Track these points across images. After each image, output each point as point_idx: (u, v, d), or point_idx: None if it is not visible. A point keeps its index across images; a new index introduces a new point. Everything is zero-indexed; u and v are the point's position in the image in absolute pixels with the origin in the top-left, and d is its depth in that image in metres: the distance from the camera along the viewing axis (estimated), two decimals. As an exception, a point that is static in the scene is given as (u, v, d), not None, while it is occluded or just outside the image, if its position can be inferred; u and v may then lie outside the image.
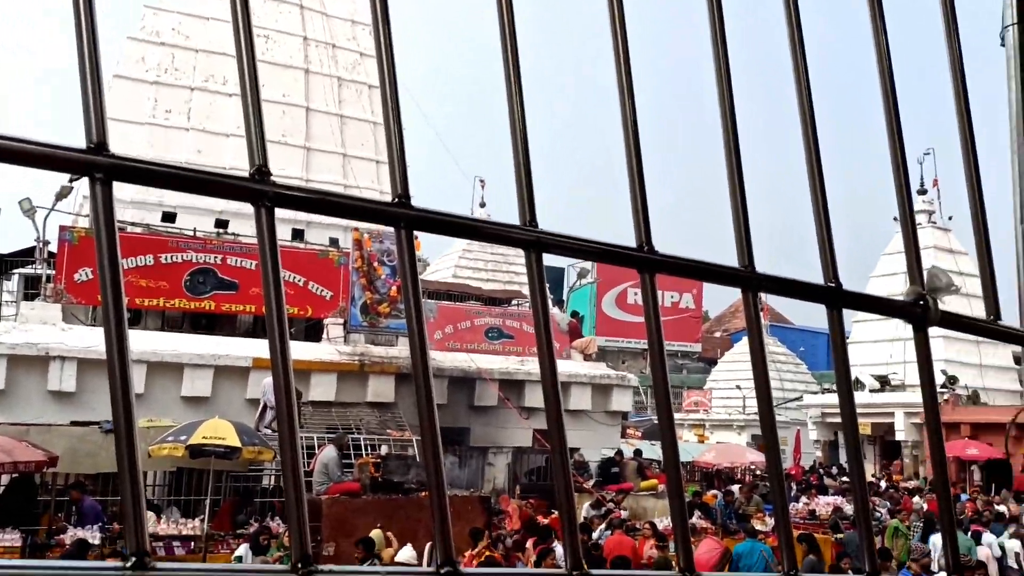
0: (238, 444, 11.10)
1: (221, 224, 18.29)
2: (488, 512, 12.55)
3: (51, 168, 0.54)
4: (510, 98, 0.67)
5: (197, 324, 16.94)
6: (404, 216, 0.62)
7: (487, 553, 9.00)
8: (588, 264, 35.46)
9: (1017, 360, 27.60)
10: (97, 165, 0.53)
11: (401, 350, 16.72)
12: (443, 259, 29.75)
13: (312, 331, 17.64)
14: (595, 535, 10.92)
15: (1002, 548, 11.79)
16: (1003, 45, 1.01)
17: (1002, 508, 15.39)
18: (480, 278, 26.47)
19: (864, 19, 0.88)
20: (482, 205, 30.86)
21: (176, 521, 11.50)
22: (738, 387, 32.56)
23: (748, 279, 0.72)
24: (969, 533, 11.90)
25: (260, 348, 14.98)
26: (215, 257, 16.41)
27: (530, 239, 0.65)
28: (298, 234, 19.07)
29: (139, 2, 20.44)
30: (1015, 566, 10.51)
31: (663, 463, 0.71)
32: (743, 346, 36.25)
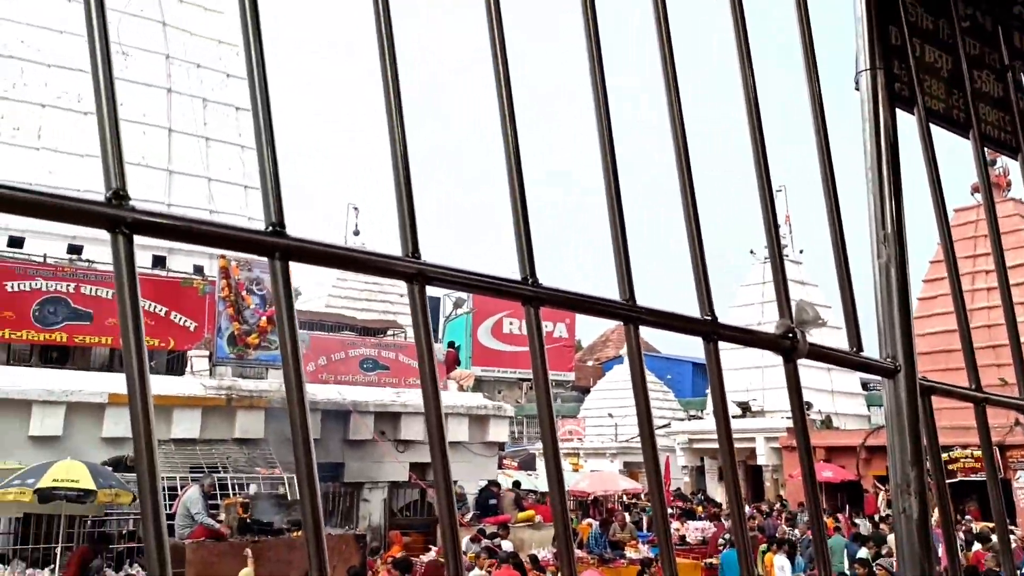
0: (92, 487, 10.37)
1: (74, 250, 17.17)
2: (363, 551, 12.22)
3: None
4: (391, 127, 0.65)
5: (47, 357, 15.81)
6: (279, 246, 0.59)
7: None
8: (464, 293, 35.51)
9: (864, 386, 29.59)
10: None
11: (271, 383, 16.15)
12: (316, 287, 29.08)
13: (175, 364, 16.80)
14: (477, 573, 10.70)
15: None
16: (857, 89, 1.08)
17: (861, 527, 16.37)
18: (355, 307, 26.02)
19: (732, 56, 0.92)
20: (356, 233, 30.42)
21: (23, 574, 10.59)
22: (610, 415, 33.30)
23: (630, 313, 0.72)
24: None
25: (117, 383, 14.09)
26: (68, 285, 15.39)
27: (413, 271, 0.63)
28: (159, 261, 18.13)
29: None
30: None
31: (549, 493, 0.70)
32: (615, 374, 37.14)
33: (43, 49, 19.12)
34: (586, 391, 40.84)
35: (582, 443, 34.10)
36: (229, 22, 21.99)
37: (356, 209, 30.29)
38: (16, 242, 17.18)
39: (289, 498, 12.48)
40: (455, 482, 17.23)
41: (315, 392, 16.08)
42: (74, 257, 16.84)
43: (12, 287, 14.81)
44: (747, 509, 21.06)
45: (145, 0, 20.24)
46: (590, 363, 51.09)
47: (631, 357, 0.76)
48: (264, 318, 16.68)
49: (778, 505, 21.87)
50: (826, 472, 23.44)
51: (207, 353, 16.43)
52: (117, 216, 0.52)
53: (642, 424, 0.77)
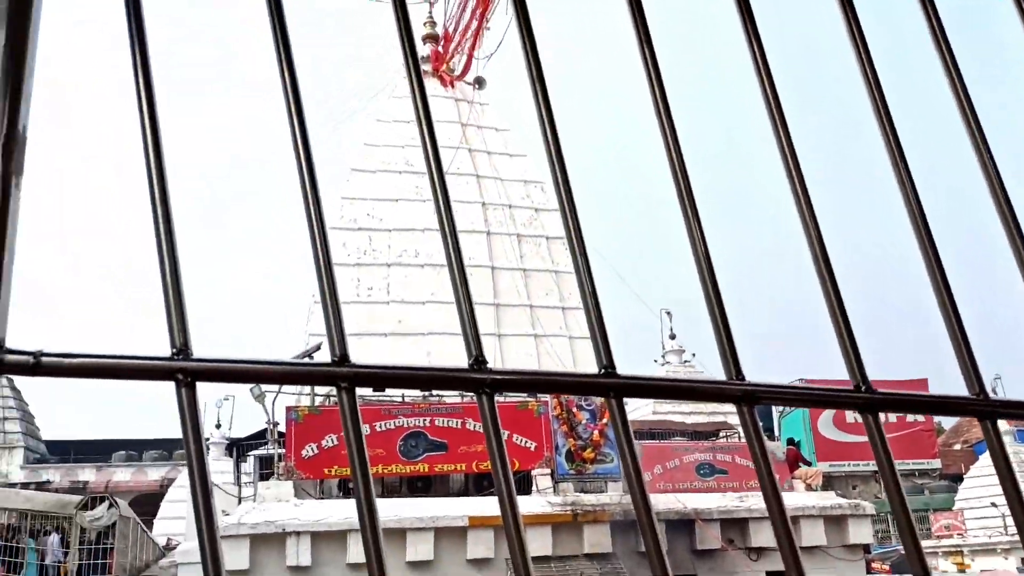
0: (463, 607, 11.11)
1: (426, 388, 19.14)
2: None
3: (303, 383, 0.63)
4: (699, 267, 0.69)
5: (413, 487, 17.50)
6: (613, 385, 0.65)
7: None
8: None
9: None
10: (342, 376, 0.61)
11: (611, 496, 16.33)
12: (642, 397, 29.28)
13: (521, 484, 17.71)
14: None
15: None
16: None
17: None
18: (682, 411, 25.72)
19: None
20: (672, 337, 30.47)
21: None
22: (993, 504, 28.80)
23: (983, 408, 0.67)
24: None
25: (474, 506, 15.17)
26: (424, 420, 17.11)
27: (740, 393, 0.66)
28: (497, 389, 19.49)
29: (337, 194, 22.87)
30: None
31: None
32: (989, 458, 32.31)
33: (384, 217, 22.26)
34: (958, 478, 35.94)
35: (964, 539, 29.77)
36: (532, 162, 24.08)
37: (669, 314, 30.49)
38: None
39: (645, 614, 12.31)
40: (819, 591, 15.87)
41: (655, 502, 15.75)
42: (426, 394, 18.79)
43: (380, 427, 16.81)
44: None
45: (460, 159, 22.87)
46: (957, 447, 45.12)
47: (994, 455, 0.70)
48: (596, 432, 17.13)
49: None
50: None
51: (548, 471, 17.13)
52: (479, 379, 0.62)
53: (1019, 522, 0.70)
